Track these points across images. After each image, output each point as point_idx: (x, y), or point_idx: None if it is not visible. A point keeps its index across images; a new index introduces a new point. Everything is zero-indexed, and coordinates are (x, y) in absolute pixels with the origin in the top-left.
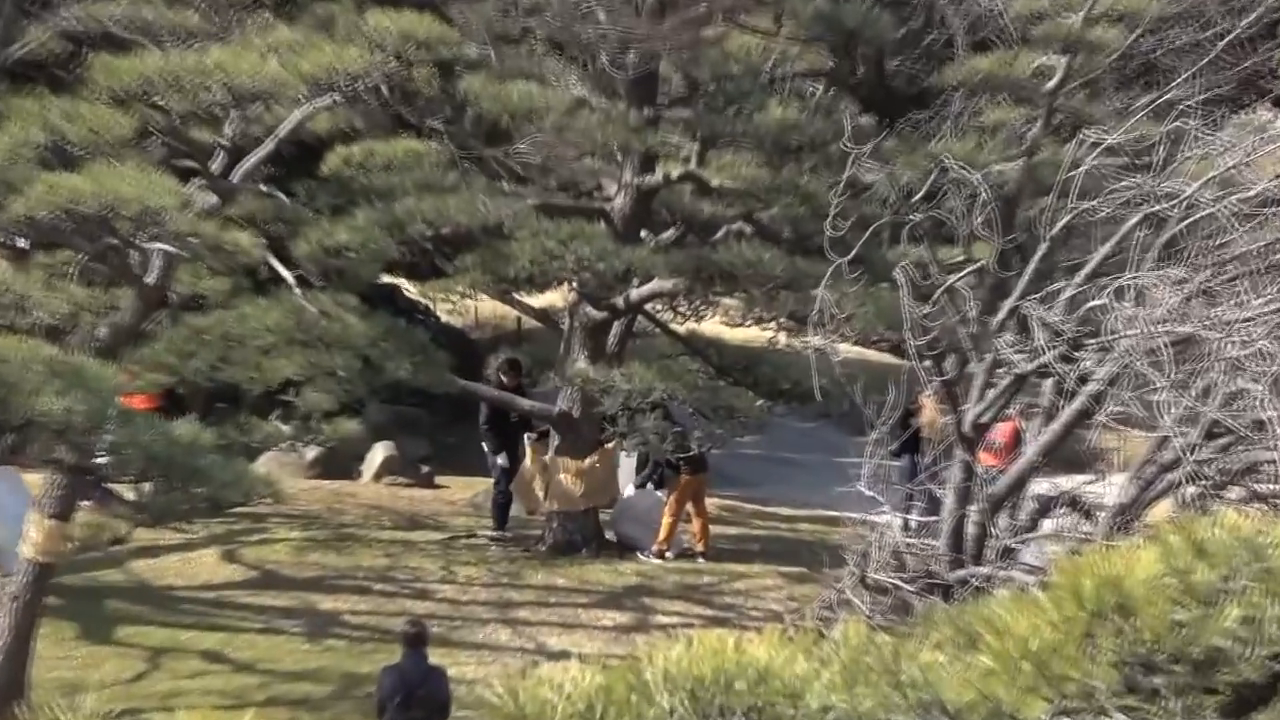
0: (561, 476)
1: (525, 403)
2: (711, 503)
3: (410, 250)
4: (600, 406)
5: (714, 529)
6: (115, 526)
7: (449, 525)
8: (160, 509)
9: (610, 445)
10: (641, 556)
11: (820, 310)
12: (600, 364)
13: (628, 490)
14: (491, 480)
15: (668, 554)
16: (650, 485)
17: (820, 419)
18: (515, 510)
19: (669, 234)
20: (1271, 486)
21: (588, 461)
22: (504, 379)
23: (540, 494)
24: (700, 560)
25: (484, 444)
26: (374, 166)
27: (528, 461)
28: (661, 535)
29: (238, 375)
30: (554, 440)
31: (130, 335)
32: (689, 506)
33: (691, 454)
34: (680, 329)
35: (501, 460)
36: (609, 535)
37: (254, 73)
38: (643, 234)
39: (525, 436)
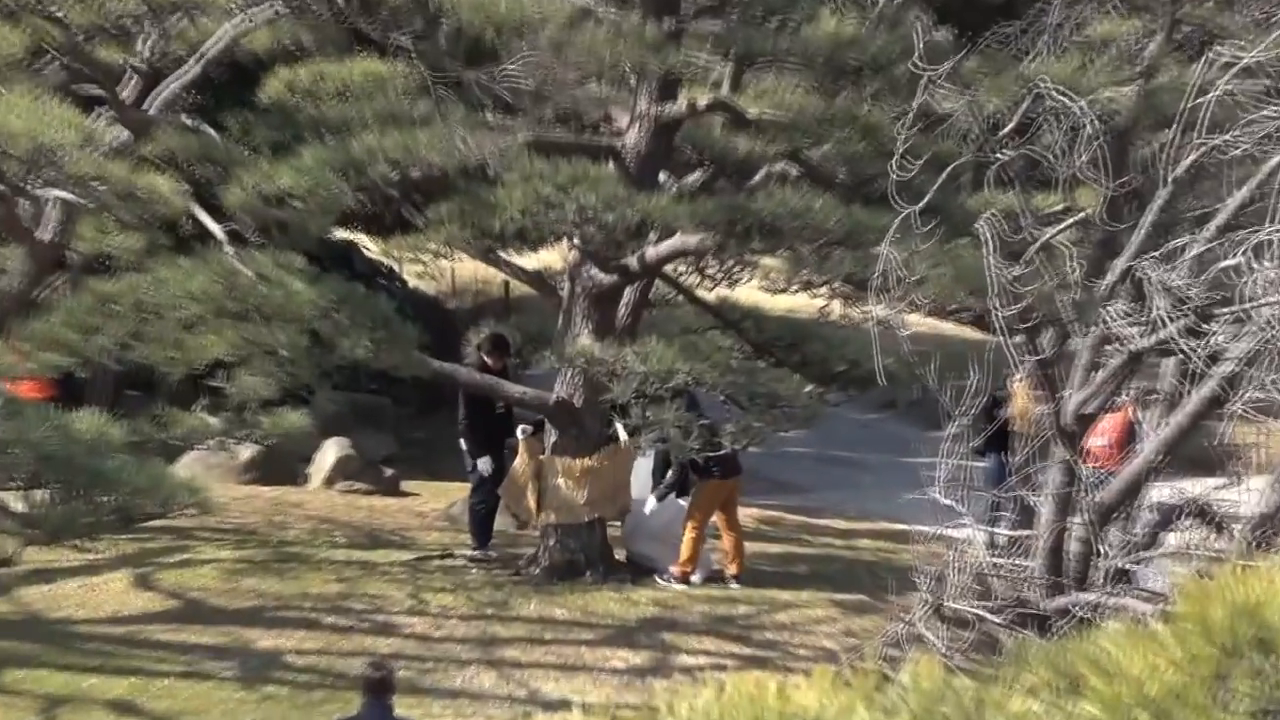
0: (560, 481)
1: (514, 389)
2: (747, 513)
3: (371, 199)
4: (609, 393)
5: (751, 546)
6: (0, 545)
7: (418, 542)
8: (57, 523)
9: (622, 442)
10: (660, 581)
11: (884, 272)
12: (609, 340)
13: (649, 504)
14: (470, 486)
15: (693, 578)
16: (673, 493)
17: (884, 409)
18: (501, 523)
19: (695, 177)
20: None
21: (593, 462)
22: (487, 360)
23: (533, 503)
24: (734, 585)
25: (462, 441)
26: (325, 94)
27: (518, 462)
28: (684, 554)
29: (154, 355)
30: (550, 436)
31: (19, 304)
32: (718, 518)
33: (722, 453)
34: (709, 296)
35: (483, 463)
36: (620, 555)
37: None
38: (662, 178)
39: (519, 429)
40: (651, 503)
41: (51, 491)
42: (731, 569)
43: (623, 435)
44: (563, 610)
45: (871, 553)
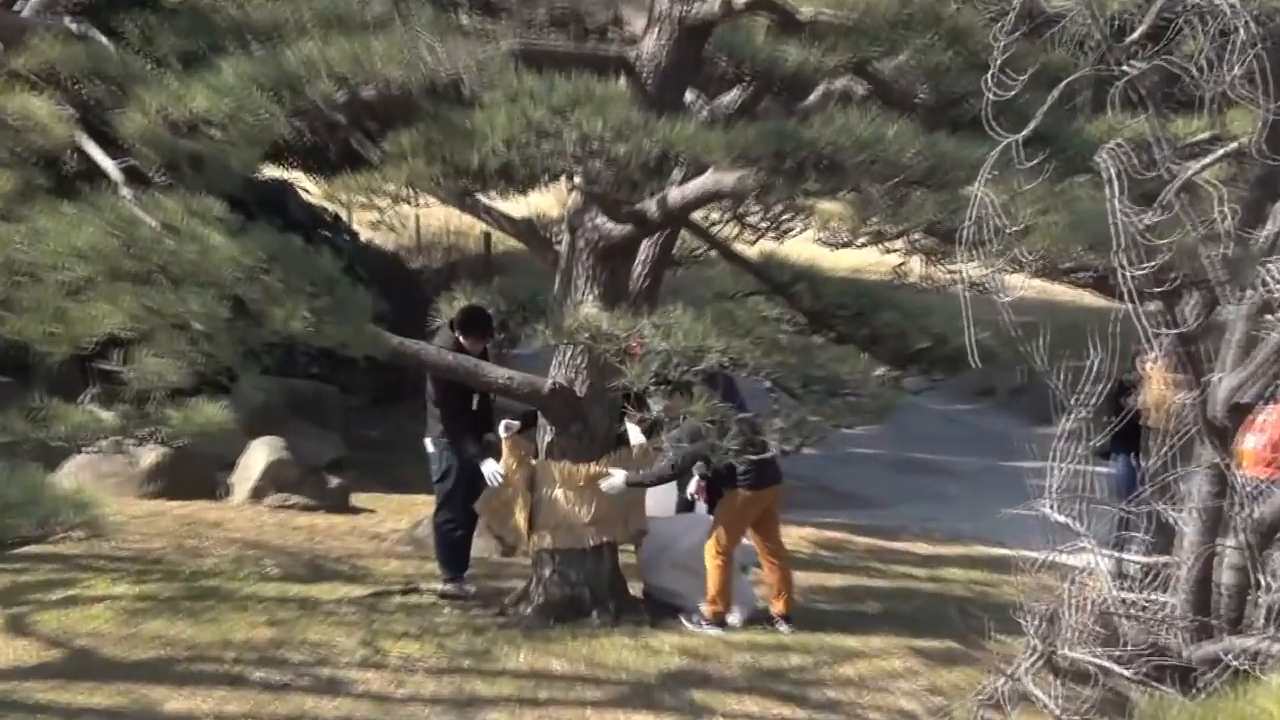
0: (558, 493)
1: (498, 373)
2: (801, 535)
3: (311, 126)
4: (620, 379)
5: (805, 577)
6: None
7: (374, 574)
8: None
9: (636, 444)
10: (688, 623)
11: (977, 220)
12: (620, 309)
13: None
14: (437, 500)
15: (730, 618)
16: (702, 506)
17: (978, 399)
18: (481, 548)
19: (732, 97)
20: None
21: (601, 469)
22: (462, 337)
23: (522, 522)
24: (783, 628)
25: (428, 441)
26: None
27: (499, 468)
28: (711, 588)
29: (28, 330)
30: (544, 434)
31: None
32: (754, 541)
33: (754, 456)
34: (751, 252)
35: (488, 468)
36: (636, 589)
37: None
38: (689, 97)
39: (503, 425)
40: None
41: None
42: (777, 606)
43: (635, 435)
44: (561, 662)
45: (963, 585)
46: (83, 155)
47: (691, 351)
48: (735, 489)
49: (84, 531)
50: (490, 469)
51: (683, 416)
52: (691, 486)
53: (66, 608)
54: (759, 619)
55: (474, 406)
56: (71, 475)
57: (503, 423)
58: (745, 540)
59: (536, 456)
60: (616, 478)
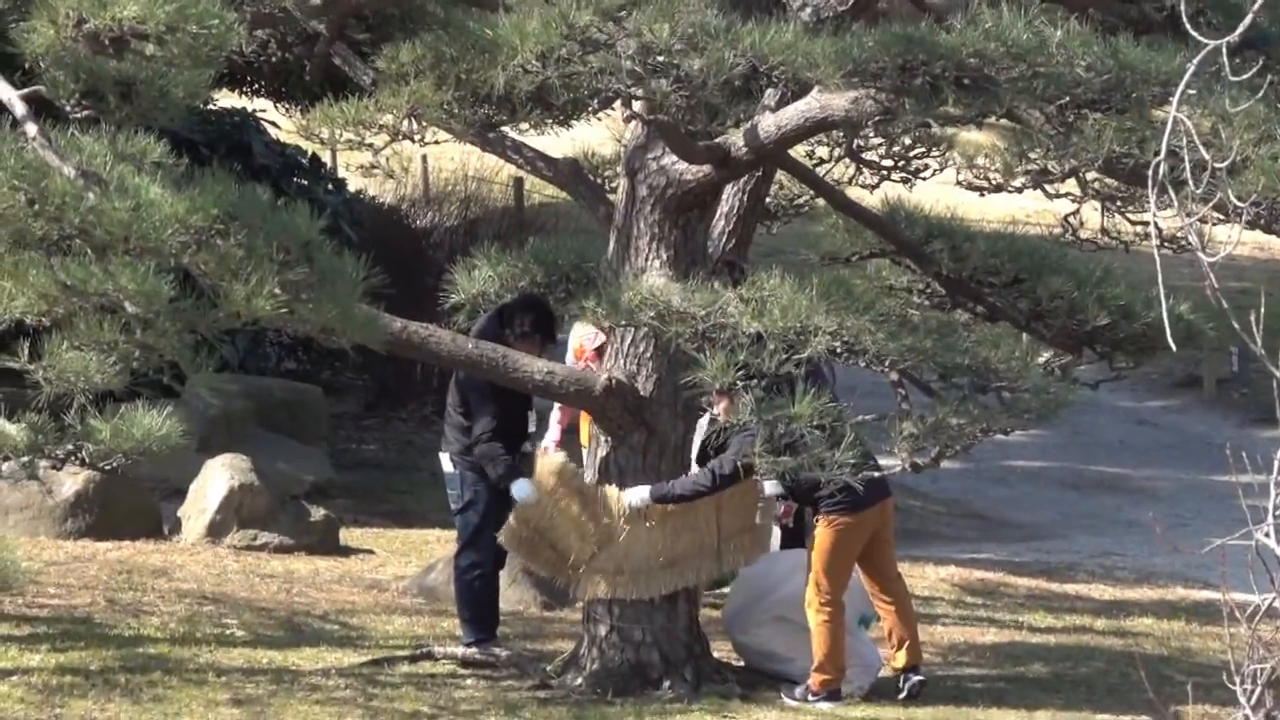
0: (620, 525)
1: (535, 366)
2: (940, 575)
3: (279, 39)
4: (697, 371)
5: (948, 631)
6: None
7: (372, 634)
8: None
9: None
10: (790, 699)
11: (1173, 154)
12: (696, 278)
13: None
14: (459, 536)
15: (846, 688)
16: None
17: (1178, 391)
18: (515, 600)
19: None
20: None
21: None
22: (514, 338)
23: (564, 551)
24: (909, 685)
25: (445, 459)
26: None
27: (533, 489)
28: (818, 651)
29: None
30: (596, 447)
31: None
32: (862, 577)
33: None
34: (871, 200)
35: (519, 488)
36: (720, 649)
37: None
38: None
39: (544, 443)
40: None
41: None
42: (899, 660)
43: (770, 489)
44: None
45: (1156, 640)
46: None
47: (792, 334)
48: (826, 515)
49: None
50: (522, 490)
51: (759, 421)
52: (778, 504)
53: None
54: (885, 687)
55: (518, 412)
56: None
57: (543, 441)
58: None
59: (586, 473)
60: (636, 492)
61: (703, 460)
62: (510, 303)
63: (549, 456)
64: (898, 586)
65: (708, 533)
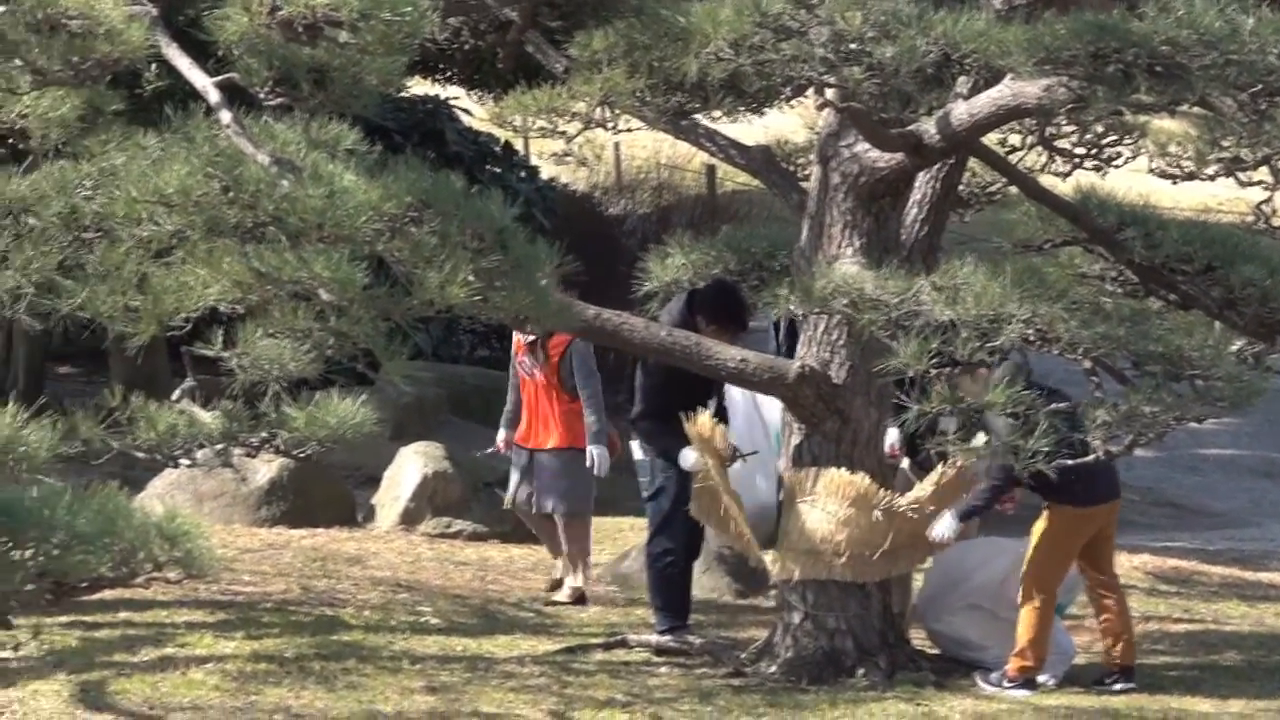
0: (814, 511)
1: (728, 353)
2: (1130, 563)
3: (472, 25)
4: (890, 359)
5: (1140, 618)
6: None
7: (566, 623)
8: None
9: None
10: (984, 684)
11: None
12: (889, 266)
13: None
14: (649, 522)
15: (1041, 677)
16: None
17: None
18: (709, 587)
19: None
20: None
21: (865, 484)
22: (705, 323)
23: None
24: (1116, 686)
25: (635, 447)
26: None
27: (697, 456)
28: (1022, 637)
29: (99, 304)
30: (789, 434)
31: None
32: (1081, 570)
33: (1086, 460)
34: (1063, 188)
35: (661, 490)
36: (915, 637)
37: None
38: None
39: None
40: (946, 525)
41: None
42: (1113, 659)
43: (893, 438)
44: None
45: None
46: (166, 67)
47: (985, 322)
48: (1059, 504)
49: (179, 572)
50: (686, 459)
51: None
52: (892, 437)
53: (157, 672)
54: (1078, 676)
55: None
56: (162, 497)
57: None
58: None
59: (784, 464)
60: (945, 523)
61: (913, 449)
62: (700, 289)
63: (697, 419)
64: (1116, 585)
65: (921, 523)
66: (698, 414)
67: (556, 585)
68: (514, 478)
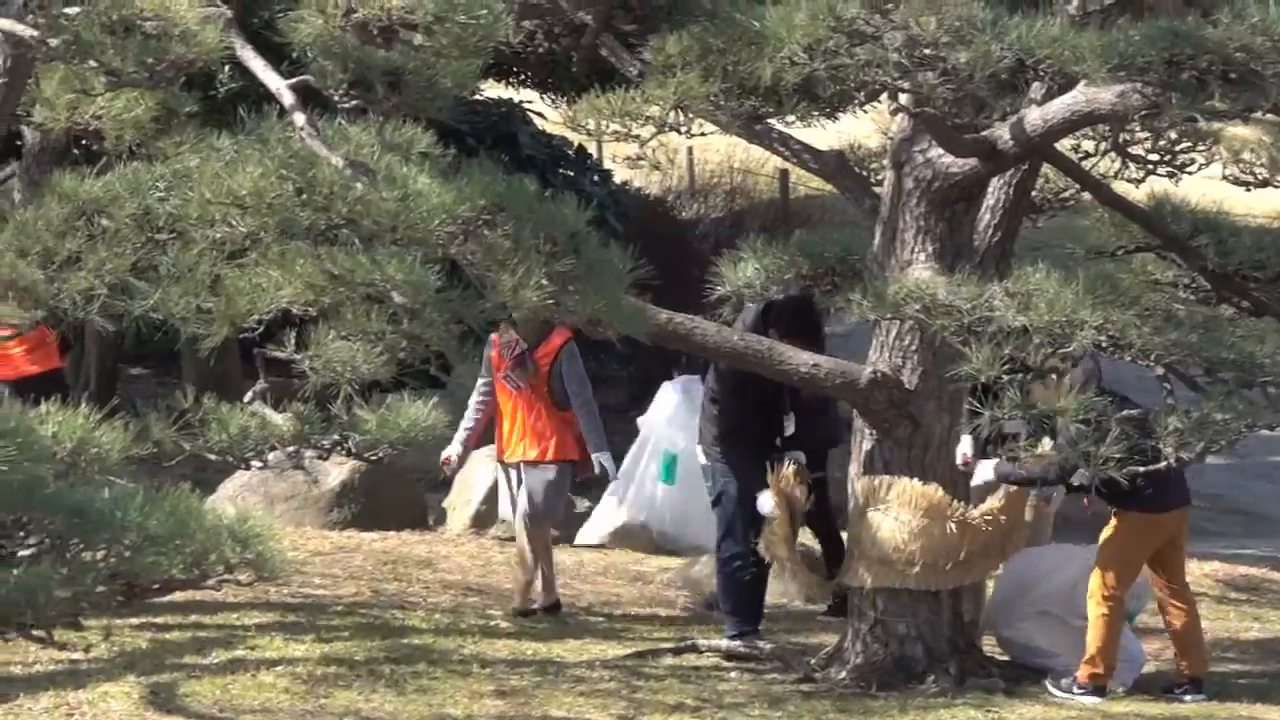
0: (886, 519)
1: (800, 359)
2: (1205, 571)
3: (547, 29)
4: (963, 365)
5: (1211, 626)
6: None
7: (636, 627)
8: (10, 599)
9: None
10: (1056, 690)
11: None
12: (962, 272)
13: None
14: (718, 527)
15: (1112, 684)
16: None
17: None
18: (779, 593)
19: None
20: None
21: (938, 495)
22: (779, 335)
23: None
24: (1186, 698)
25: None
26: None
27: (774, 502)
28: (1092, 644)
29: (173, 305)
30: (860, 439)
31: None
32: (1151, 579)
33: (1158, 468)
34: (1136, 194)
35: (763, 501)
36: (987, 644)
37: None
38: None
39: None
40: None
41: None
42: (1184, 667)
43: (966, 446)
44: None
45: None
46: (243, 71)
47: (1058, 328)
48: (1128, 511)
49: (250, 574)
50: (767, 505)
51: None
52: (965, 445)
53: (228, 674)
54: (1149, 683)
55: (770, 412)
56: (233, 499)
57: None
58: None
59: (855, 472)
60: (984, 466)
61: (983, 456)
62: (777, 301)
63: (781, 472)
64: (1187, 593)
65: (995, 534)
66: (783, 467)
67: (552, 608)
68: (507, 496)
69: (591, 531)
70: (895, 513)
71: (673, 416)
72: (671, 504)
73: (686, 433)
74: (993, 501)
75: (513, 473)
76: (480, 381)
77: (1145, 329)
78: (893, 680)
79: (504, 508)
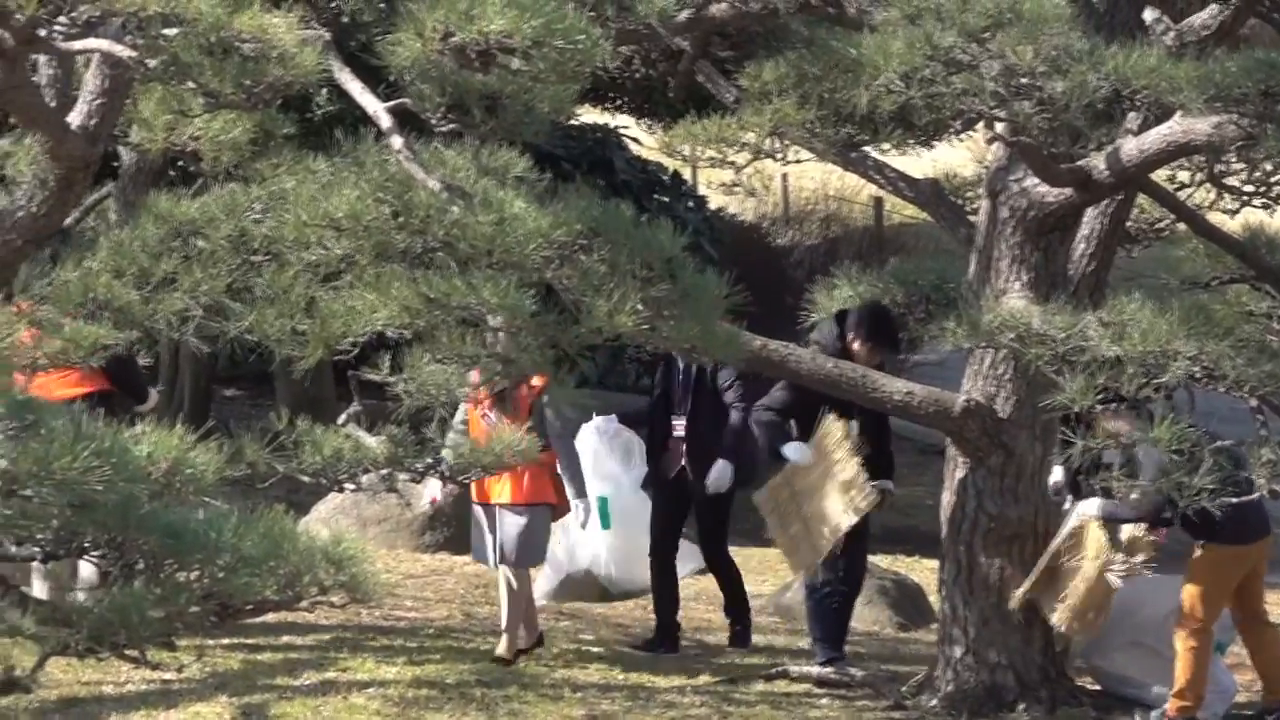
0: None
1: (894, 386)
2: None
3: (643, 54)
4: (1056, 394)
5: None
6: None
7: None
8: (102, 617)
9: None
10: None
11: None
12: (1057, 301)
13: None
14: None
15: (1202, 714)
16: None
17: None
18: (869, 620)
19: (1206, 16)
20: None
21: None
22: (856, 342)
23: (809, 542)
24: None
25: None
26: None
27: (808, 453)
28: (1180, 677)
29: (268, 327)
30: (953, 469)
31: (35, 237)
32: (1232, 612)
33: (1241, 499)
34: (1232, 225)
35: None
36: (1078, 674)
37: None
38: (1149, 17)
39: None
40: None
41: (94, 564)
42: (1270, 698)
43: (1058, 476)
44: None
45: None
46: (339, 93)
47: (1152, 358)
48: (1213, 543)
49: (343, 596)
50: (795, 451)
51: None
52: (1057, 475)
53: (319, 696)
54: (1240, 714)
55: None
56: (326, 522)
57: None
58: None
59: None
60: (1089, 505)
61: (1075, 488)
62: (851, 310)
63: (830, 422)
64: (1269, 626)
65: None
66: (836, 422)
67: (531, 648)
68: (483, 538)
69: (536, 590)
70: (1089, 564)
71: (594, 462)
72: (610, 547)
73: (611, 477)
74: (1140, 555)
75: (489, 514)
76: (456, 420)
77: (1239, 360)
78: (984, 708)
79: (478, 550)
